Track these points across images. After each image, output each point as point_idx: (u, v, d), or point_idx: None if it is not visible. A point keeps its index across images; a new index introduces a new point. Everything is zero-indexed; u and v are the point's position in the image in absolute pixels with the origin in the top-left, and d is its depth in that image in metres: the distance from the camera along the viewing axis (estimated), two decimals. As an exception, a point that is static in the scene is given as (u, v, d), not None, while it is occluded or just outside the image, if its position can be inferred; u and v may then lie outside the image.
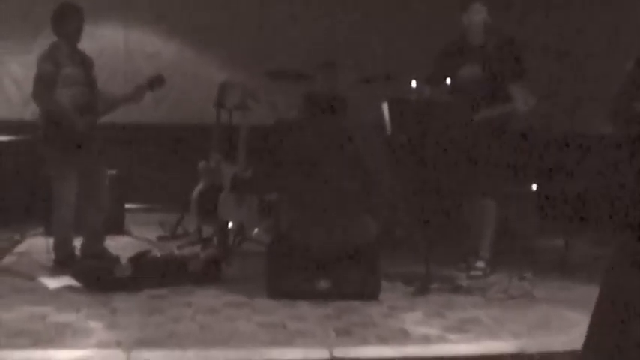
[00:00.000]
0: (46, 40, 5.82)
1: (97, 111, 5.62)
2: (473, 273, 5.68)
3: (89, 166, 5.61)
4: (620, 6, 7.58)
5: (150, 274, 5.18)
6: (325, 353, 4.11)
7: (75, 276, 5.22)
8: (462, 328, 4.59)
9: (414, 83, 5.41)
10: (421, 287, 5.25)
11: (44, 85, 5.43)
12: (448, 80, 5.47)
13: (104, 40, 7.83)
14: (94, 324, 4.45)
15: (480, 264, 5.73)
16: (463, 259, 5.88)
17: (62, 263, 5.54)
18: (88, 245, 5.74)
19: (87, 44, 5.79)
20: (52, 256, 5.60)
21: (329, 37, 7.93)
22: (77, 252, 5.67)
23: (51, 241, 5.68)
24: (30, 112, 6.94)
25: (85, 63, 5.65)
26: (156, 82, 5.76)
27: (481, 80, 5.63)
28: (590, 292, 5.26)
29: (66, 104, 5.45)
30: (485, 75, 5.62)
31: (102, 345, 4.13)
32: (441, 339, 4.39)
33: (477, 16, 5.64)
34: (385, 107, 5.33)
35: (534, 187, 7.15)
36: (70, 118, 5.43)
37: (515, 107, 5.48)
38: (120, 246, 6.05)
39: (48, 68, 5.44)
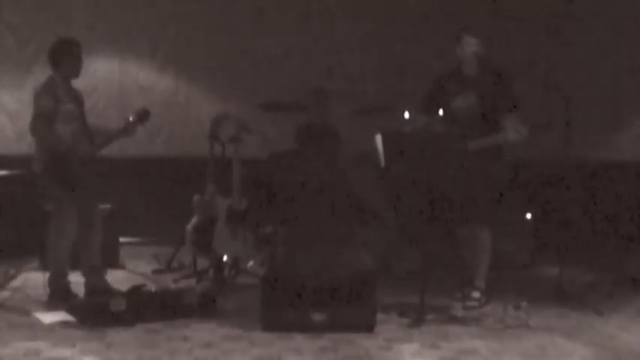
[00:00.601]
0: (39, 74, 5.84)
1: (94, 145, 5.64)
2: (468, 303, 5.68)
3: (86, 202, 5.61)
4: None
5: (145, 308, 5.16)
6: (321, 386, 4.11)
7: (70, 311, 5.22)
8: (458, 359, 4.58)
9: (406, 114, 5.43)
10: (417, 318, 5.24)
11: (44, 120, 5.43)
12: (441, 111, 5.50)
13: (99, 74, 7.89)
14: (89, 359, 4.43)
15: (476, 294, 5.73)
16: (458, 289, 5.88)
17: (57, 298, 5.53)
18: (90, 281, 5.72)
19: (82, 78, 5.80)
20: (47, 290, 5.59)
21: (322, 69, 7.97)
22: (72, 287, 5.65)
23: (46, 275, 5.66)
24: (26, 145, 6.95)
25: (78, 98, 5.68)
26: (143, 115, 5.77)
27: (475, 110, 5.67)
28: (586, 321, 5.32)
29: (67, 139, 5.47)
30: (480, 105, 5.67)
31: (97, 380, 4.13)
32: (438, 370, 4.39)
33: (468, 47, 5.70)
34: (379, 139, 5.35)
35: (529, 215, 7.18)
36: (73, 150, 5.43)
37: (508, 137, 5.53)
38: (115, 280, 6.02)
39: (47, 104, 5.44)
